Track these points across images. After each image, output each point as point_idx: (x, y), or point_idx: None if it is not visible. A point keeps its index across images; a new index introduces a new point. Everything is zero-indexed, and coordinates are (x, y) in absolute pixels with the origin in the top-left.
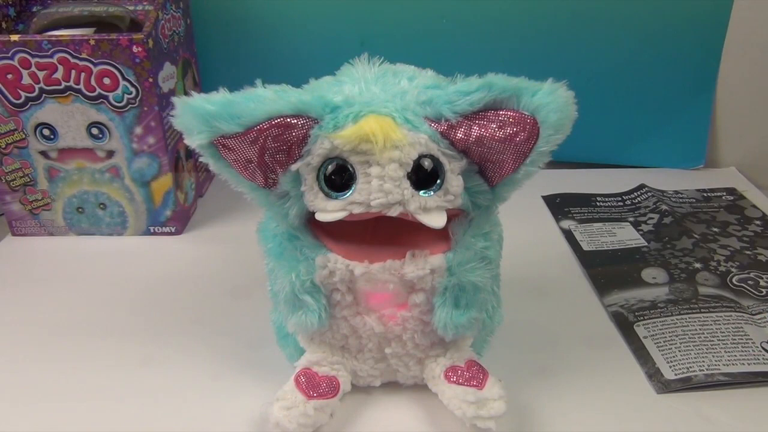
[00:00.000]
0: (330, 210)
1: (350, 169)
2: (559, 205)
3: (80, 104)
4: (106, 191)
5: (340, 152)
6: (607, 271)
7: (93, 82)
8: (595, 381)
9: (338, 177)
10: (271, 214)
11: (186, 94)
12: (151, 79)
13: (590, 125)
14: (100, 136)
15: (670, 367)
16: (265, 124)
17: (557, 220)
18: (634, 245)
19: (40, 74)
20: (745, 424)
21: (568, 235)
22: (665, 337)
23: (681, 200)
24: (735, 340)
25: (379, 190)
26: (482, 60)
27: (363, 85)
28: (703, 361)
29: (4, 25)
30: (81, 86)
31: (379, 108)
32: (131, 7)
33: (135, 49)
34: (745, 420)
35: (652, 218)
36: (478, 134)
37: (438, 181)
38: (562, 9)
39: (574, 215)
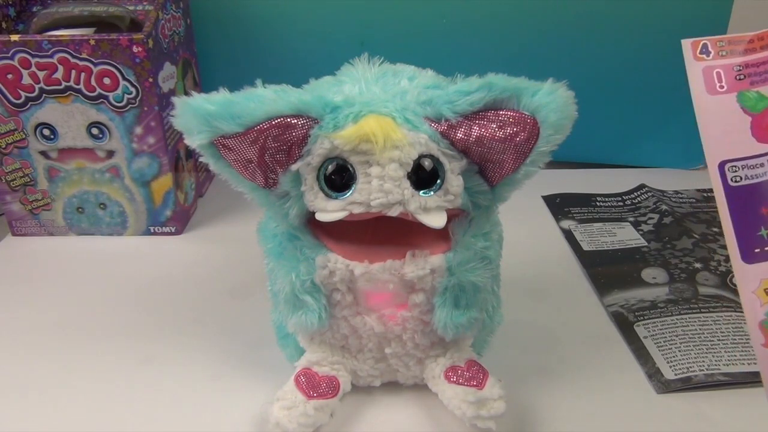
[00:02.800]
0: (330, 210)
1: (350, 169)
2: (559, 205)
3: (80, 104)
4: (106, 191)
5: (340, 152)
6: (607, 271)
7: (93, 82)
8: (595, 381)
9: (338, 177)
10: (271, 214)
11: (186, 94)
12: (151, 79)
13: (590, 125)
14: (100, 136)
15: (670, 367)
16: (265, 124)
17: (557, 220)
18: (634, 245)
19: (40, 74)
20: (745, 424)
21: (568, 235)
22: (665, 337)
23: (681, 200)
24: (735, 340)
25: (379, 190)
26: (482, 60)
27: (363, 85)
28: (703, 361)
29: (4, 25)
30: (81, 86)
31: (379, 108)
32: (131, 7)
33: (135, 49)
34: (745, 420)
35: (652, 218)
36: (478, 134)
37: (438, 181)
38: (562, 9)
39: (574, 215)
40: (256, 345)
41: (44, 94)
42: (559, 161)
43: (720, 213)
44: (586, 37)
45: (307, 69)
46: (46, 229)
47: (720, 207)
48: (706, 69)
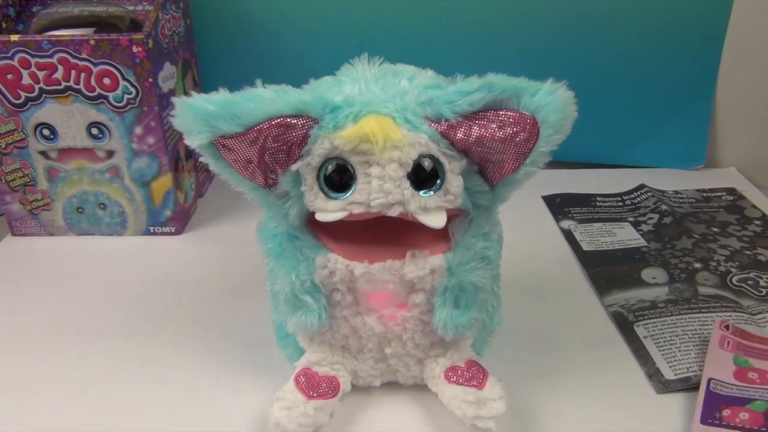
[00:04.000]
0: (330, 210)
1: (350, 169)
2: (559, 205)
3: (80, 104)
4: (106, 191)
5: (340, 152)
6: (607, 271)
7: (93, 82)
8: (595, 381)
9: (338, 177)
10: (271, 214)
11: (186, 94)
12: (151, 79)
13: (590, 125)
14: (100, 136)
15: (670, 367)
16: (265, 124)
17: (557, 220)
18: (634, 245)
19: (40, 74)
20: None
21: (568, 235)
22: (665, 337)
23: (681, 200)
24: None
25: (379, 190)
26: (482, 60)
27: (363, 85)
28: (703, 361)
29: (4, 25)
30: (81, 86)
31: (379, 108)
32: (131, 7)
33: (135, 49)
34: None
35: (652, 218)
36: (478, 134)
37: (438, 181)
38: (562, 9)
39: (574, 215)
40: (256, 345)
41: (44, 94)
42: (559, 161)
43: None
44: (586, 36)
45: (307, 69)
46: (46, 229)
47: None
48: (723, 336)
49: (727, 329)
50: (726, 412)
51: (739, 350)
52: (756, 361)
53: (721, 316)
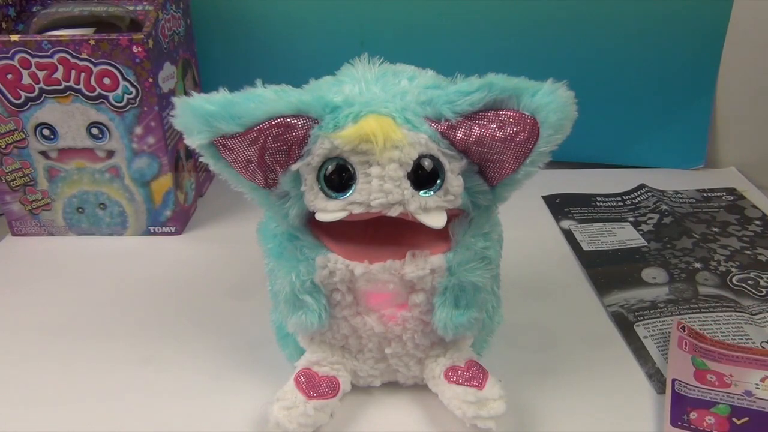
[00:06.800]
0: (330, 210)
1: (350, 169)
2: (559, 205)
3: (80, 104)
4: (106, 191)
5: (340, 152)
6: (607, 271)
7: (93, 82)
8: (595, 381)
9: (338, 177)
10: (271, 214)
11: (186, 94)
12: (151, 79)
13: (590, 125)
14: (100, 136)
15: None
16: (265, 124)
17: (557, 220)
18: (634, 245)
19: (40, 74)
20: None
21: (568, 235)
22: (665, 337)
23: (681, 200)
24: (735, 340)
25: (379, 190)
26: (482, 60)
27: (363, 85)
28: None
29: (4, 25)
30: (81, 86)
31: (379, 108)
32: (131, 7)
33: (135, 49)
34: None
35: (652, 218)
36: (478, 134)
37: (438, 181)
38: (562, 9)
39: (574, 215)
40: (256, 345)
41: (44, 94)
42: (559, 161)
43: None
44: (585, 36)
45: (307, 69)
46: (46, 229)
47: None
48: (681, 337)
49: (684, 330)
50: (693, 415)
51: (695, 352)
52: (712, 363)
53: (721, 316)
